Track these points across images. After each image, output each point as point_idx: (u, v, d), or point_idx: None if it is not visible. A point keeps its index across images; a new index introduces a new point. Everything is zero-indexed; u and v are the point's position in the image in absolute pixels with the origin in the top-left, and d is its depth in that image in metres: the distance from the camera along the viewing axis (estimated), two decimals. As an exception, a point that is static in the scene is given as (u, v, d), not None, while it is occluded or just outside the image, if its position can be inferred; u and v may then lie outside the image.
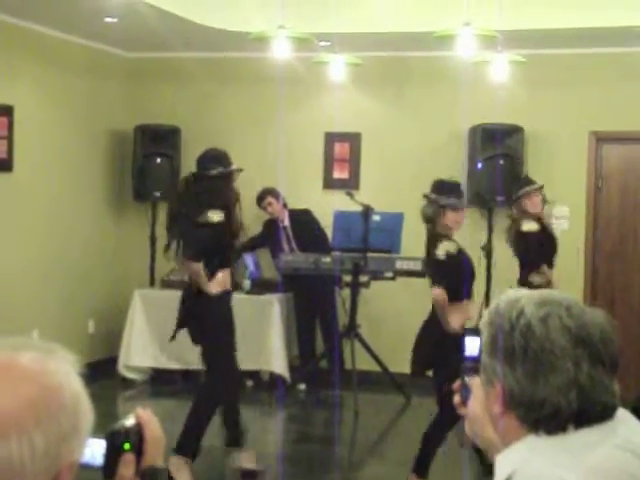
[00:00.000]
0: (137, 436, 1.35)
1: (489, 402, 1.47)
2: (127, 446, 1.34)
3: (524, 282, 5.79)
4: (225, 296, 5.16)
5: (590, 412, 1.40)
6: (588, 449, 1.39)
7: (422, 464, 4.79)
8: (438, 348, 4.74)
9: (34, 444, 1.14)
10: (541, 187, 6.03)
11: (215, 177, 5.13)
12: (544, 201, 6.05)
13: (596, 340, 1.41)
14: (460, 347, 5.08)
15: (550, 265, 6.00)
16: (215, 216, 5.06)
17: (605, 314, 1.46)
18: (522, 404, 1.42)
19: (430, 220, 4.89)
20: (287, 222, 7.73)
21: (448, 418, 4.63)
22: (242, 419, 5.27)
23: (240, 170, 5.31)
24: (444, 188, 4.91)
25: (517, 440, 1.43)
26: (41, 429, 1.15)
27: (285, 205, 7.74)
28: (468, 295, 4.89)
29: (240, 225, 5.27)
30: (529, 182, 6.16)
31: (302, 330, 7.78)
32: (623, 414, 1.46)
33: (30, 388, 1.17)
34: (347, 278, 7.38)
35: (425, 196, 4.93)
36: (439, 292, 4.75)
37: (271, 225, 7.75)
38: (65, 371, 1.22)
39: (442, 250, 4.80)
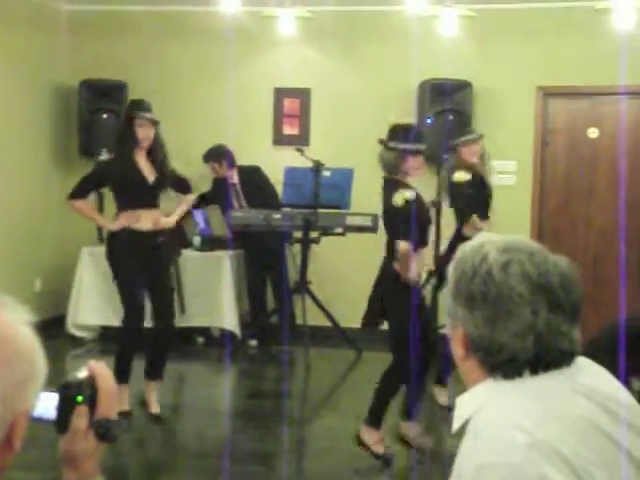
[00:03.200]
0: (90, 388, 1.34)
1: (453, 345, 1.49)
2: (80, 398, 1.33)
3: (458, 234, 5.72)
4: (122, 233, 5.37)
5: (547, 358, 1.43)
6: (545, 394, 1.41)
7: (375, 415, 4.85)
8: (392, 299, 4.77)
9: None
10: (479, 137, 5.91)
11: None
12: (483, 153, 5.89)
13: (556, 287, 1.43)
14: (413, 297, 5.00)
15: (484, 216, 5.82)
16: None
17: (569, 262, 1.48)
18: (481, 348, 1.45)
19: (391, 168, 4.71)
20: (236, 179, 7.69)
21: (402, 368, 4.69)
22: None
23: (144, 118, 5.32)
24: (403, 133, 4.74)
25: (478, 383, 1.46)
26: None
27: (233, 163, 7.69)
28: (424, 243, 4.80)
29: (157, 167, 5.43)
30: (469, 132, 6.08)
31: (253, 286, 7.79)
32: (584, 362, 1.49)
33: None
34: (297, 234, 7.39)
35: (382, 142, 4.74)
36: (404, 245, 4.60)
37: (220, 182, 7.70)
38: (17, 321, 1.21)
39: (400, 199, 4.63)
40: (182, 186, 5.71)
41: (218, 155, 7.64)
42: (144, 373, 5.52)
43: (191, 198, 5.82)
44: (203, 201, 7.68)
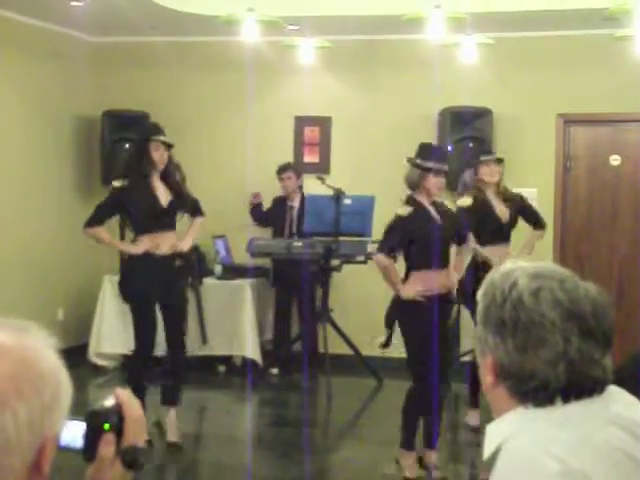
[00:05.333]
0: (117, 416, 1.34)
1: (482, 372, 1.48)
2: (107, 426, 1.33)
3: (472, 259, 5.60)
4: (143, 258, 5.38)
5: (578, 386, 1.41)
6: (576, 422, 1.40)
7: (403, 437, 4.81)
8: (399, 318, 4.78)
9: (17, 417, 1.13)
10: (501, 159, 5.85)
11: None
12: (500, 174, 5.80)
13: (588, 314, 1.42)
14: (419, 314, 4.95)
15: (489, 242, 5.64)
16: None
17: (600, 289, 1.46)
18: (511, 376, 1.43)
19: (413, 184, 4.77)
20: (297, 204, 7.67)
21: (420, 386, 4.67)
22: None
23: (159, 141, 5.36)
24: (428, 151, 4.82)
25: (508, 411, 1.44)
26: (23, 401, 1.14)
27: (300, 187, 7.69)
28: (433, 265, 4.69)
29: (175, 193, 5.47)
30: (489, 152, 6.02)
31: (279, 314, 7.73)
32: (616, 390, 1.47)
33: (9, 362, 1.16)
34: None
35: (409, 160, 4.81)
36: (378, 257, 4.78)
37: (280, 203, 7.71)
38: (41, 345, 1.21)
39: (393, 214, 4.75)
40: (192, 208, 5.69)
41: (297, 169, 7.64)
42: (160, 400, 5.51)
43: (200, 221, 5.74)
44: (262, 220, 7.76)
